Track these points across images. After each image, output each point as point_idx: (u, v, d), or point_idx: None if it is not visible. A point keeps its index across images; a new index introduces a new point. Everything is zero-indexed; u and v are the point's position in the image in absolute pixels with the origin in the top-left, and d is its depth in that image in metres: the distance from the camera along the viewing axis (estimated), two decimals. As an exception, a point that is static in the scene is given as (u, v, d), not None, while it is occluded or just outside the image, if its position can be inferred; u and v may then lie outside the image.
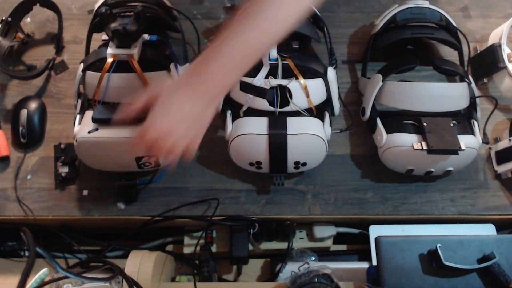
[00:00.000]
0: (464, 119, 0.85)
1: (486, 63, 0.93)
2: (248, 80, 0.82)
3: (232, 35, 0.66)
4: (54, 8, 0.97)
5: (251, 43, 0.65)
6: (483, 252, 0.68)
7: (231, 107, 0.87)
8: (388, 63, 0.86)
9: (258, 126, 0.80)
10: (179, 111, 0.66)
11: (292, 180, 0.89)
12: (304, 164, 0.83)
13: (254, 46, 0.66)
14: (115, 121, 0.72)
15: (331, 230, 0.91)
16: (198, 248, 0.89)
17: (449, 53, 0.96)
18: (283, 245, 0.90)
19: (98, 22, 0.87)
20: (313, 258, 0.88)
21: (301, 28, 0.86)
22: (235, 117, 0.85)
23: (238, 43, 0.65)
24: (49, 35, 1.01)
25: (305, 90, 0.82)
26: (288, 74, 0.82)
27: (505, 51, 0.90)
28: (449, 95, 0.84)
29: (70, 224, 0.90)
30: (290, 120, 0.81)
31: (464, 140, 0.80)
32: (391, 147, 0.82)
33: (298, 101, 0.82)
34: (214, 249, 0.90)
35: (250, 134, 0.80)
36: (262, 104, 0.82)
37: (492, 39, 0.95)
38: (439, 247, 0.67)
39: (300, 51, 0.87)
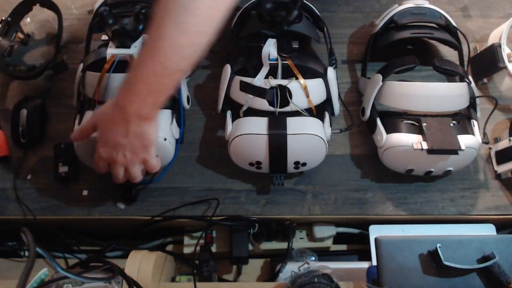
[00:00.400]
0: (464, 119, 0.85)
1: (486, 63, 0.93)
2: (248, 80, 0.82)
3: (139, 62, 0.69)
4: (54, 8, 0.97)
5: (159, 70, 0.67)
6: (483, 252, 0.68)
7: (231, 107, 0.87)
8: (388, 63, 0.86)
9: (258, 126, 0.80)
10: (114, 138, 0.72)
11: (292, 180, 0.89)
12: (304, 164, 0.83)
13: (161, 72, 0.67)
14: (74, 139, 0.80)
15: (331, 230, 0.91)
16: (198, 248, 0.89)
17: (449, 53, 0.96)
18: (283, 245, 0.89)
19: (98, 22, 0.87)
20: (313, 258, 0.88)
21: (301, 28, 0.86)
22: (235, 117, 0.85)
23: (143, 72, 0.68)
24: (49, 35, 1.01)
25: (305, 90, 0.82)
26: (288, 74, 0.82)
27: (505, 51, 0.90)
28: (449, 95, 0.84)
29: (70, 224, 0.90)
30: (290, 120, 0.81)
31: (464, 140, 0.80)
32: (391, 147, 0.82)
33: (298, 101, 0.82)
34: (214, 249, 0.90)
35: (250, 134, 0.80)
36: (262, 104, 0.82)
37: (492, 39, 0.95)
38: (439, 247, 0.67)
39: (300, 51, 0.87)
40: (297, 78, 0.82)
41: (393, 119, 0.84)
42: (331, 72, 0.85)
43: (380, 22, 0.92)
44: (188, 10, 0.64)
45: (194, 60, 0.69)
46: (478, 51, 0.96)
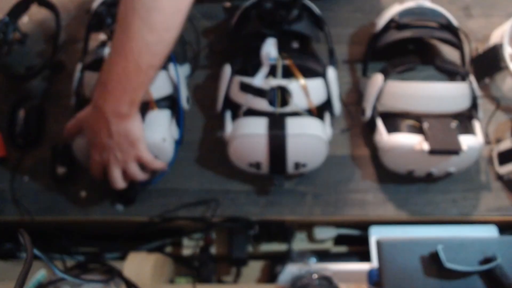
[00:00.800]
0: (465, 119, 0.84)
1: (488, 63, 0.92)
2: (248, 80, 0.82)
3: (111, 62, 0.71)
4: (52, 8, 0.96)
5: (126, 69, 0.69)
6: (485, 253, 0.67)
7: (231, 107, 0.86)
8: (389, 63, 0.86)
9: (258, 126, 0.79)
10: (100, 140, 0.73)
11: (292, 181, 0.88)
12: (304, 165, 0.82)
13: (130, 69, 0.69)
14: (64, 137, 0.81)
15: (332, 232, 0.91)
16: (197, 249, 0.88)
17: (450, 53, 0.96)
18: (283, 247, 0.89)
19: (96, 22, 0.86)
20: (313, 260, 0.87)
21: (301, 27, 0.85)
22: (234, 117, 0.85)
23: (116, 71, 0.70)
24: (46, 35, 1.00)
25: (305, 90, 0.82)
26: (288, 74, 0.82)
27: (507, 51, 0.90)
28: (450, 95, 0.84)
29: (68, 226, 0.90)
30: (290, 121, 0.80)
31: (466, 141, 0.79)
32: (392, 147, 0.81)
33: (298, 101, 0.82)
34: (213, 250, 0.89)
35: (250, 135, 0.79)
36: (261, 104, 0.82)
37: (494, 39, 0.94)
38: (441, 248, 0.66)
39: (300, 51, 0.86)
40: (297, 78, 0.81)
41: (394, 120, 0.84)
42: (331, 72, 0.85)
43: (381, 22, 0.91)
44: (153, 8, 0.67)
45: (165, 55, 0.72)
46: (480, 51, 0.95)
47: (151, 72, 0.72)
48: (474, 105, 0.87)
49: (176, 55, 0.87)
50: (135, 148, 0.75)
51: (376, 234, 0.86)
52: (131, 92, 0.71)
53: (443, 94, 0.83)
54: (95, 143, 0.74)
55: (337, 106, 0.88)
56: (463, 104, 0.85)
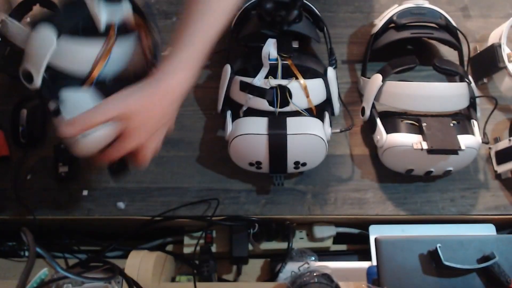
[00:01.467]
0: (464, 119, 0.85)
1: (486, 63, 0.93)
2: (248, 80, 0.82)
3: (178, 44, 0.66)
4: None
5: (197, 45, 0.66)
6: (483, 252, 0.68)
7: (231, 107, 0.87)
8: (388, 63, 0.86)
9: (258, 126, 0.80)
10: (154, 124, 0.66)
11: (292, 180, 0.89)
12: (304, 164, 0.83)
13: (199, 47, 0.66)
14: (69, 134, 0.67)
15: (331, 230, 0.91)
16: (198, 248, 0.89)
17: (449, 53, 0.96)
18: (283, 245, 0.89)
19: None
20: (313, 258, 0.88)
21: (301, 28, 0.86)
22: (235, 117, 0.85)
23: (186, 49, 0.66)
24: (49, 35, 1.00)
25: (305, 90, 0.82)
26: (288, 74, 0.82)
27: (505, 51, 0.90)
28: (449, 95, 0.84)
29: (70, 224, 0.90)
30: (290, 120, 0.80)
31: (464, 140, 0.79)
32: (391, 147, 0.82)
33: (298, 101, 0.82)
34: (214, 249, 0.90)
35: (250, 134, 0.80)
36: (262, 104, 0.82)
37: (492, 39, 0.95)
38: (439, 247, 0.67)
39: (300, 51, 0.87)
40: (297, 78, 0.82)
41: (393, 119, 0.84)
42: (331, 72, 0.85)
43: (380, 22, 0.92)
44: None
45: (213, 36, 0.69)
46: (478, 51, 0.96)
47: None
48: (472, 105, 0.87)
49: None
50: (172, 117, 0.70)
51: (376, 233, 0.86)
52: (203, 53, 0.67)
53: (441, 94, 0.84)
54: (140, 130, 0.65)
55: (336, 105, 0.89)
56: (461, 104, 0.85)
